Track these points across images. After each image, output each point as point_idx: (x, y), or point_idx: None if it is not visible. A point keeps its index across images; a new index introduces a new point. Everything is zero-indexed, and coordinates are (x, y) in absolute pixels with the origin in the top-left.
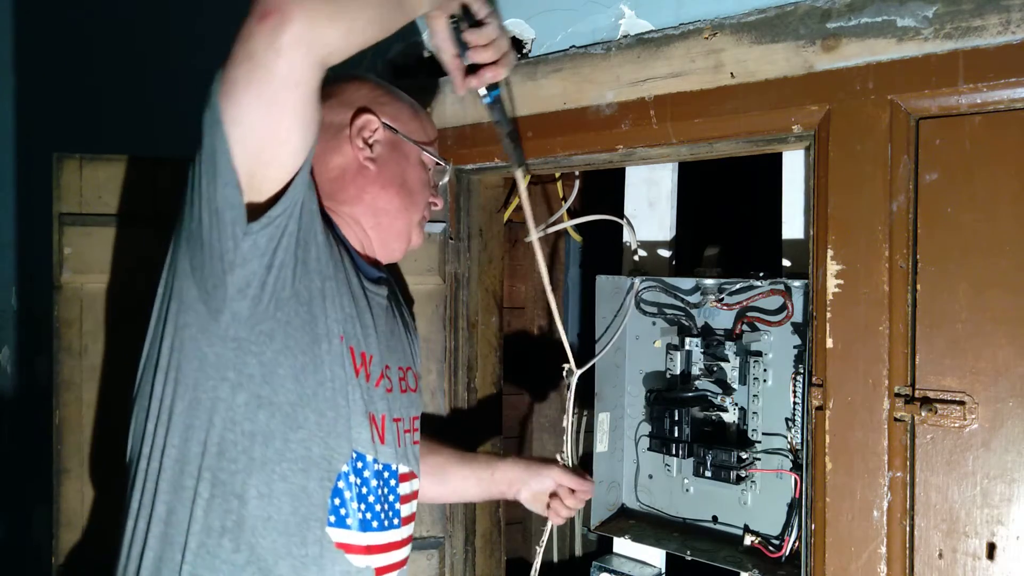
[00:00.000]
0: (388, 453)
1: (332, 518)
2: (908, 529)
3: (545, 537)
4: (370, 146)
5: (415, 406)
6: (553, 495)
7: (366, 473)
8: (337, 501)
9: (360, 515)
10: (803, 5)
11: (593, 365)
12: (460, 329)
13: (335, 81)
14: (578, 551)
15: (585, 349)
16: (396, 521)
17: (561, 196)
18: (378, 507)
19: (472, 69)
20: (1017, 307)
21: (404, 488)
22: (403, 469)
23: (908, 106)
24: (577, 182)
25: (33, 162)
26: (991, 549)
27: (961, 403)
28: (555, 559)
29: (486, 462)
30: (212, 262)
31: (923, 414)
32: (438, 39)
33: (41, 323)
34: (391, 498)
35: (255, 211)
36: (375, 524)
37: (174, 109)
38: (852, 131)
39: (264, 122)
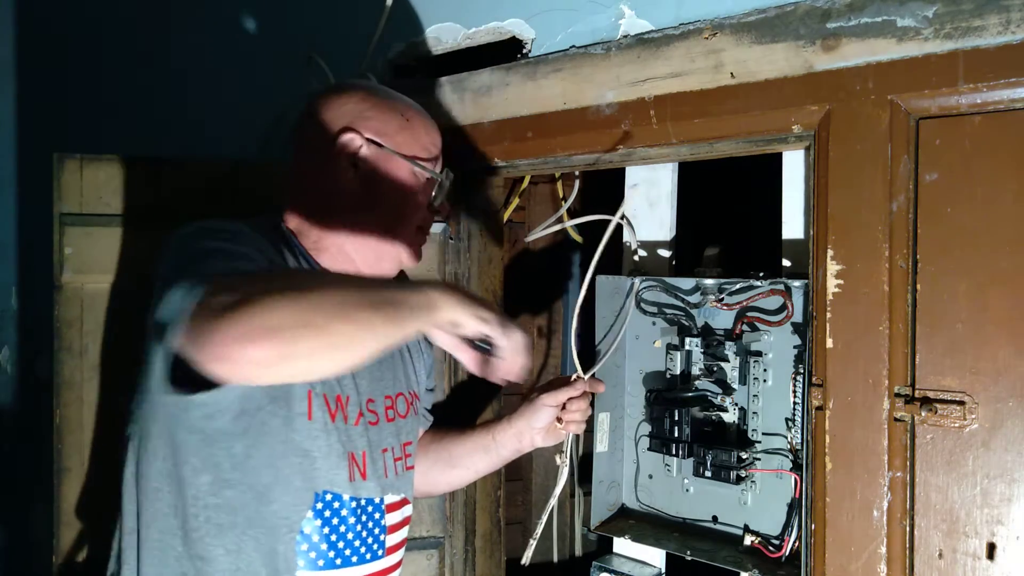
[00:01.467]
0: (371, 487)
1: (301, 562)
2: (908, 529)
3: (539, 530)
4: (355, 165)
5: (405, 432)
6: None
7: (343, 512)
8: (305, 547)
9: (332, 553)
10: (803, 5)
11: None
12: None
13: (322, 96)
14: (578, 551)
15: (585, 349)
16: (380, 552)
17: (561, 196)
18: (357, 542)
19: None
20: (1017, 307)
21: (392, 518)
22: (391, 499)
23: (908, 106)
24: (577, 182)
25: (33, 162)
26: (991, 549)
27: (961, 403)
28: (555, 559)
29: (484, 431)
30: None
31: (923, 414)
32: (442, 344)
33: (41, 323)
34: (376, 531)
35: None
36: (354, 559)
37: (174, 109)
38: (852, 131)
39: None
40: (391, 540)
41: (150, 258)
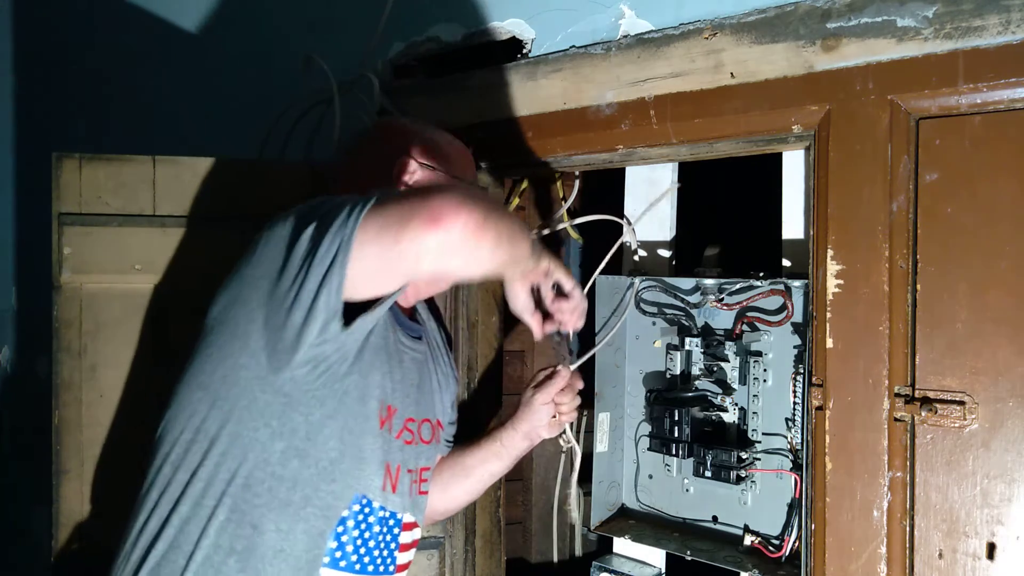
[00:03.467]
0: (396, 502)
1: (326, 559)
2: (908, 529)
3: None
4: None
5: (425, 456)
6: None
7: (371, 519)
8: (334, 544)
9: (355, 557)
10: (803, 5)
11: (593, 361)
12: (460, 329)
13: (375, 128)
14: (578, 551)
15: (585, 349)
16: (392, 568)
17: (561, 196)
18: (376, 552)
19: (544, 312)
20: (1017, 307)
21: (405, 537)
22: (408, 519)
23: (908, 106)
24: (577, 182)
25: (32, 162)
26: (991, 549)
27: (961, 403)
28: (555, 559)
29: (491, 439)
30: (288, 331)
31: (923, 414)
32: (521, 303)
33: (41, 323)
34: (392, 545)
35: (347, 309)
36: (371, 568)
37: (174, 109)
38: (852, 131)
39: (381, 266)
40: (401, 559)
41: (150, 258)
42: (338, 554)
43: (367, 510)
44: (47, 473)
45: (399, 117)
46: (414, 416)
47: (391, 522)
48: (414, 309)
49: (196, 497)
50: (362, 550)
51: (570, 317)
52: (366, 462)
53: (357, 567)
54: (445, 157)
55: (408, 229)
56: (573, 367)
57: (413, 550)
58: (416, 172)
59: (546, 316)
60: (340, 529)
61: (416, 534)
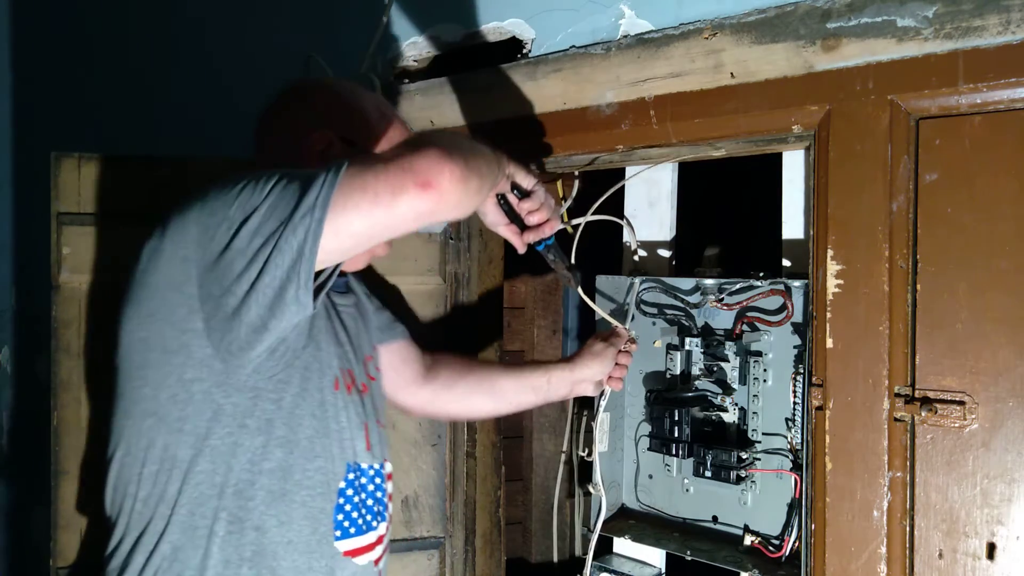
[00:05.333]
0: (375, 454)
1: (338, 532)
2: (908, 529)
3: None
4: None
5: (378, 392)
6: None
7: (362, 479)
8: (340, 516)
9: (360, 521)
10: (803, 5)
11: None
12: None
13: (290, 93)
14: (578, 551)
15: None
16: (385, 513)
17: (561, 196)
18: (375, 507)
19: (522, 226)
20: (1017, 307)
21: (385, 475)
22: (382, 460)
23: (908, 106)
24: (577, 182)
25: (31, 161)
26: (991, 549)
27: (961, 403)
28: (555, 559)
29: (540, 372)
30: (243, 330)
31: (923, 414)
32: (492, 217)
33: (40, 323)
34: (379, 494)
35: None
36: (374, 523)
37: (173, 108)
38: (852, 131)
39: (363, 235)
40: (387, 499)
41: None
42: (346, 523)
43: (359, 472)
44: (46, 474)
45: (323, 78)
46: (364, 366)
47: (377, 479)
48: None
49: (184, 523)
50: (363, 511)
51: (539, 216)
52: (345, 430)
53: (364, 528)
54: (372, 130)
55: (401, 199)
56: (562, 226)
57: (391, 483)
58: (334, 145)
59: (520, 227)
60: (341, 500)
61: (389, 468)
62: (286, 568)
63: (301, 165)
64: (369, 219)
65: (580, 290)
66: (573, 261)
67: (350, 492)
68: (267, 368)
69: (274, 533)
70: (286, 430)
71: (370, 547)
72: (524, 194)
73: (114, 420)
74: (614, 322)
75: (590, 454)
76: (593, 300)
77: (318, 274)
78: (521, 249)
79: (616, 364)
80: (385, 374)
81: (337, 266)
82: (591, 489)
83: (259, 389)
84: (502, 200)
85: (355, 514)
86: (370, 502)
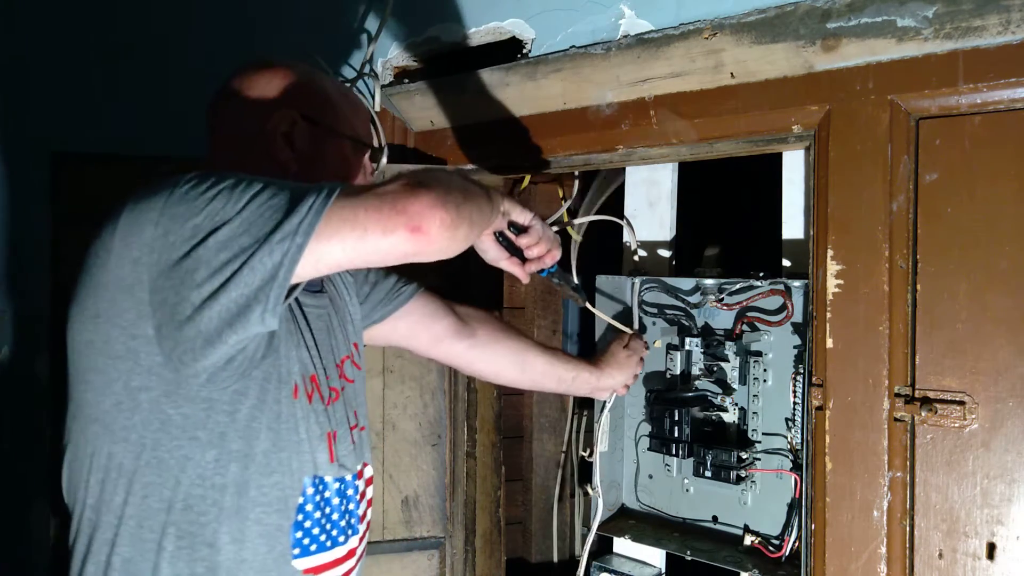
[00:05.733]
0: (347, 465)
1: (296, 550)
2: (908, 529)
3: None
4: (291, 144)
5: (353, 394)
6: None
7: (326, 493)
8: (299, 534)
9: (323, 537)
10: (803, 5)
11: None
12: None
13: (246, 73)
14: (578, 551)
15: (585, 349)
16: (358, 526)
17: (561, 196)
18: (342, 522)
19: (523, 258)
20: (1017, 307)
21: (360, 485)
22: (358, 469)
23: (908, 106)
24: (576, 182)
25: (31, 161)
26: (991, 549)
27: (961, 403)
28: (555, 559)
29: (569, 365)
30: (198, 340)
31: (923, 414)
32: (492, 254)
33: (40, 323)
34: (351, 506)
35: None
36: (341, 539)
37: (173, 109)
38: (852, 131)
39: (342, 264)
40: (362, 508)
41: None
42: (306, 541)
43: (321, 487)
44: (45, 473)
45: (274, 57)
46: (330, 371)
47: (349, 490)
48: None
49: (133, 535)
50: (328, 526)
51: (539, 250)
52: (304, 442)
53: (328, 544)
54: (334, 109)
55: (388, 238)
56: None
57: (371, 488)
58: (297, 124)
59: (523, 259)
60: (300, 517)
61: (368, 472)
62: None
63: (264, 147)
64: (352, 252)
65: (589, 305)
66: (577, 281)
67: (310, 508)
68: (222, 379)
69: (228, 551)
70: (241, 443)
71: (336, 563)
72: (521, 230)
73: (65, 419)
74: (628, 330)
75: (591, 454)
76: (594, 302)
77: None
78: (525, 280)
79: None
80: (415, 335)
81: (298, 285)
82: (590, 491)
83: (212, 400)
84: (500, 237)
85: (316, 531)
86: (336, 516)
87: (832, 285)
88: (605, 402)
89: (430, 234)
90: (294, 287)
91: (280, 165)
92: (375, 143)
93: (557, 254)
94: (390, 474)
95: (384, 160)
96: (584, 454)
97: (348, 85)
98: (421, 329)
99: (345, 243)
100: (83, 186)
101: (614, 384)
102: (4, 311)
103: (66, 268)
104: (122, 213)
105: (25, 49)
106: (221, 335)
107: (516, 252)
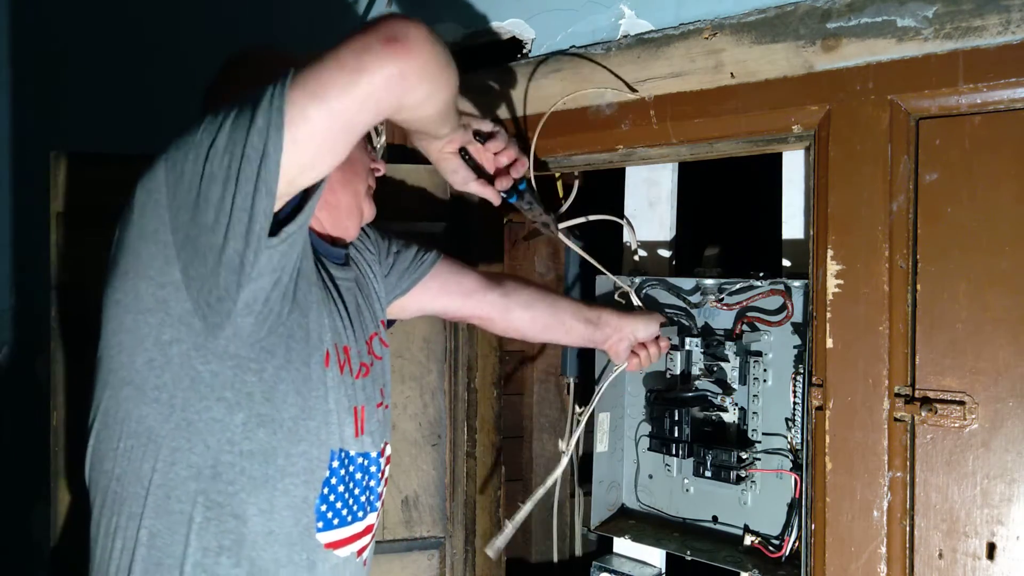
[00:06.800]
0: (368, 441)
1: (320, 524)
2: (908, 529)
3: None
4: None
5: (385, 370)
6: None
7: (351, 468)
8: (324, 507)
9: (345, 511)
10: (803, 5)
11: (593, 361)
12: (460, 329)
13: (236, 65)
14: (578, 551)
15: (585, 352)
16: (376, 503)
17: (561, 196)
18: (363, 497)
19: (490, 179)
20: (1017, 307)
21: (382, 463)
22: (381, 446)
23: (908, 106)
24: (576, 182)
25: (30, 161)
26: (991, 549)
27: (961, 403)
28: (555, 559)
29: (594, 307)
30: (222, 274)
31: (923, 414)
32: (460, 175)
33: (40, 323)
34: (371, 483)
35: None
36: (360, 514)
37: (173, 108)
38: (852, 131)
39: (328, 133)
40: (381, 487)
41: None
42: (329, 514)
43: (346, 461)
44: (46, 474)
45: (270, 46)
46: (361, 347)
47: (372, 467)
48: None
49: (160, 506)
50: (350, 501)
51: (508, 156)
52: (332, 413)
53: (349, 519)
54: None
55: (364, 63)
56: (562, 227)
57: (388, 467)
58: None
59: (489, 181)
60: (326, 491)
61: (388, 451)
62: (266, 560)
63: None
64: (330, 106)
65: (563, 236)
66: (544, 205)
67: (334, 481)
68: (248, 333)
69: (255, 522)
70: (268, 407)
71: (354, 538)
72: (486, 137)
73: (94, 392)
74: (622, 285)
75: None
76: (594, 300)
77: (296, 211)
78: (496, 201)
79: (646, 350)
80: (448, 292)
81: (316, 191)
82: (561, 447)
83: (240, 358)
84: (465, 154)
85: (339, 504)
86: (358, 492)
87: (832, 285)
88: (607, 371)
89: (408, 42)
90: (306, 208)
91: None
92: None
93: (525, 163)
94: (390, 474)
95: (383, 138)
96: (564, 445)
97: None
98: (453, 285)
99: (319, 99)
100: (83, 186)
101: (635, 332)
102: (4, 311)
103: (66, 268)
104: (142, 173)
105: (25, 49)
106: (242, 259)
107: (483, 174)
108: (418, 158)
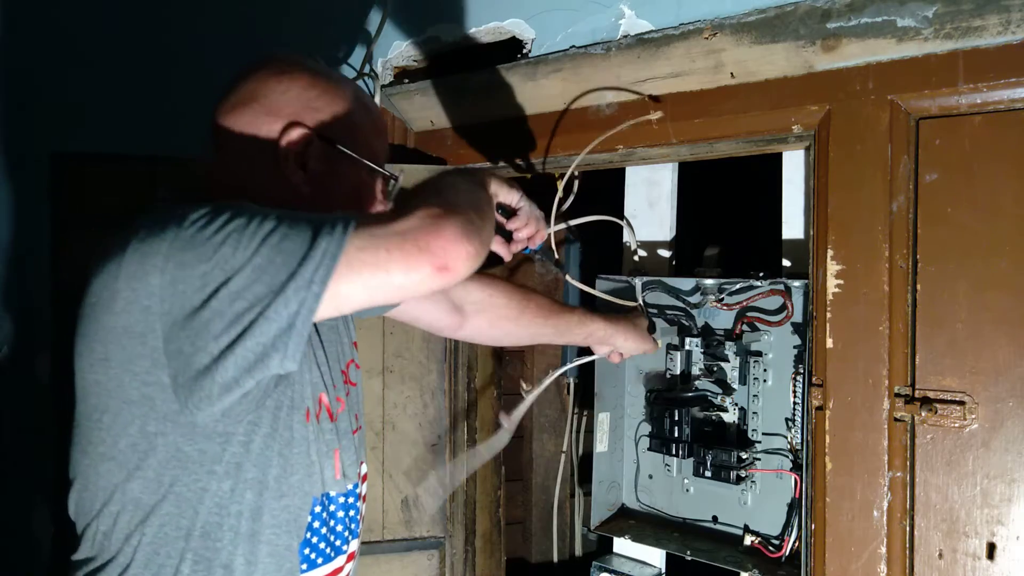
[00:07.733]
0: (347, 476)
1: (304, 565)
2: (908, 529)
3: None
4: (304, 165)
5: (359, 394)
6: None
7: (331, 508)
8: (307, 550)
9: (326, 547)
10: (803, 5)
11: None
12: None
13: (261, 76)
14: (578, 551)
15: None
16: (357, 529)
17: (561, 196)
18: (346, 532)
19: (507, 236)
20: (1017, 307)
21: (361, 489)
22: (358, 473)
23: (908, 106)
24: (576, 182)
25: (31, 161)
26: (991, 549)
27: (961, 403)
28: (555, 559)
29: (570, 316)
30: (217, 389)
31: (923, 414)
32: None
33: (40, 323)
34: (351, 513)
35: None
36: (343, 547)
37: (173, 108)
38: (852, 131)
39: (363, 304)
40: (362, 510)
41: None
42: (312, 555)
43: (327, 503)
44: (47, 473)
45: (294, 56)
46: (337, 381)
47: (351, 499)
48: None
49: (149, 560)
50: (331, 538)
51: (528, 231)
52: (314, 464)
53: (332, 554)
54: (353, 129)
55: (413, 277)
56: (561, 226)
57: (365, 483)
58: (312, 144)
59: (508, 238)
60: (308, 534)
61: (365, 468)
62: None
63: (274, 166)
64: (374, 293)
65: (573, 280)
66: (558, 256)
67: (316, 524)
68: (237, 412)
69: (241, 571)
70: (256, 472)
71: (337, 571)
72: (510, 214)
73: (72, 449)
74: (631, 304)
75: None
76: (594, 301)
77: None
78: (507, 259)
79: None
80: (417, 320)
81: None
82: (524, 388)
83: (228, 434)
84: None
85: (322, 544)
86: (339, 527)
87: (832, 285)
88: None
89: (457, 270)
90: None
91: (291, 186)
92: (390, 174)
93: (544, 233)
94: (390, 474)
95: (398, 187)
96: (524, 388)
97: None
98: (420, 314)
99: (367, 286)
100: (83, 186)
101: (623, 346)
102: (4, 311)
103: (66, 268)
104: (126, 252)
105: (25, 50)
106: (239, 382)
107: (500, 232)
108: (416, 159)
